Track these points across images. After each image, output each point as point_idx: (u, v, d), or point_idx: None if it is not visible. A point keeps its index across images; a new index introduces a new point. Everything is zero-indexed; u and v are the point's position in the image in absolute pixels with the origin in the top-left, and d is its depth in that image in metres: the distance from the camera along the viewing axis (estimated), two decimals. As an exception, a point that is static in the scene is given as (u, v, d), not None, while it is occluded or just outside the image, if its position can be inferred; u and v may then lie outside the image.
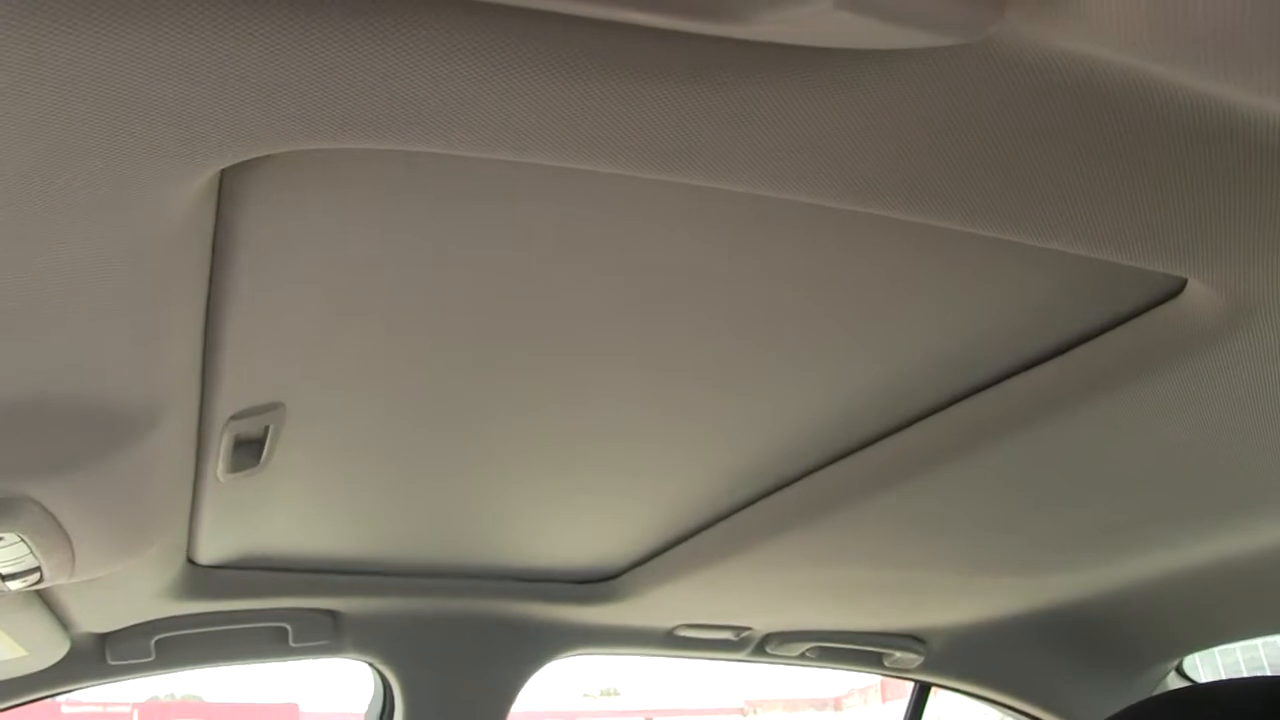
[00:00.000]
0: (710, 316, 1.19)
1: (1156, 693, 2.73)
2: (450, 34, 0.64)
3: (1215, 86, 0.65)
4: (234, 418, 1.30)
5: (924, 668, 2.73)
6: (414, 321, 1.16)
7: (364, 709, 2.37)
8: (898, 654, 2.67)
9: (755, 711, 26.41)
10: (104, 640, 2.01)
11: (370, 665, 2.28)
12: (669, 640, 2.50)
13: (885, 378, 1.37)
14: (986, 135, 0.78)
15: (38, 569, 1.33)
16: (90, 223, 0.76)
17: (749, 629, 2.51)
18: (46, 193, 0.72)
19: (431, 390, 1.33)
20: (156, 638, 2.02)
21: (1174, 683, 2.83)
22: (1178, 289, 1.12)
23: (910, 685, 2.95)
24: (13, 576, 1.34)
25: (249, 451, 1.41)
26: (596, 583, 2.25)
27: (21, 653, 1.85)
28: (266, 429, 1.36)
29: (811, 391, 1.41)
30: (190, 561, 1.90)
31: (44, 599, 1.72)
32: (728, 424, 1.50)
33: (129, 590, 1.79)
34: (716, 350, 1.28)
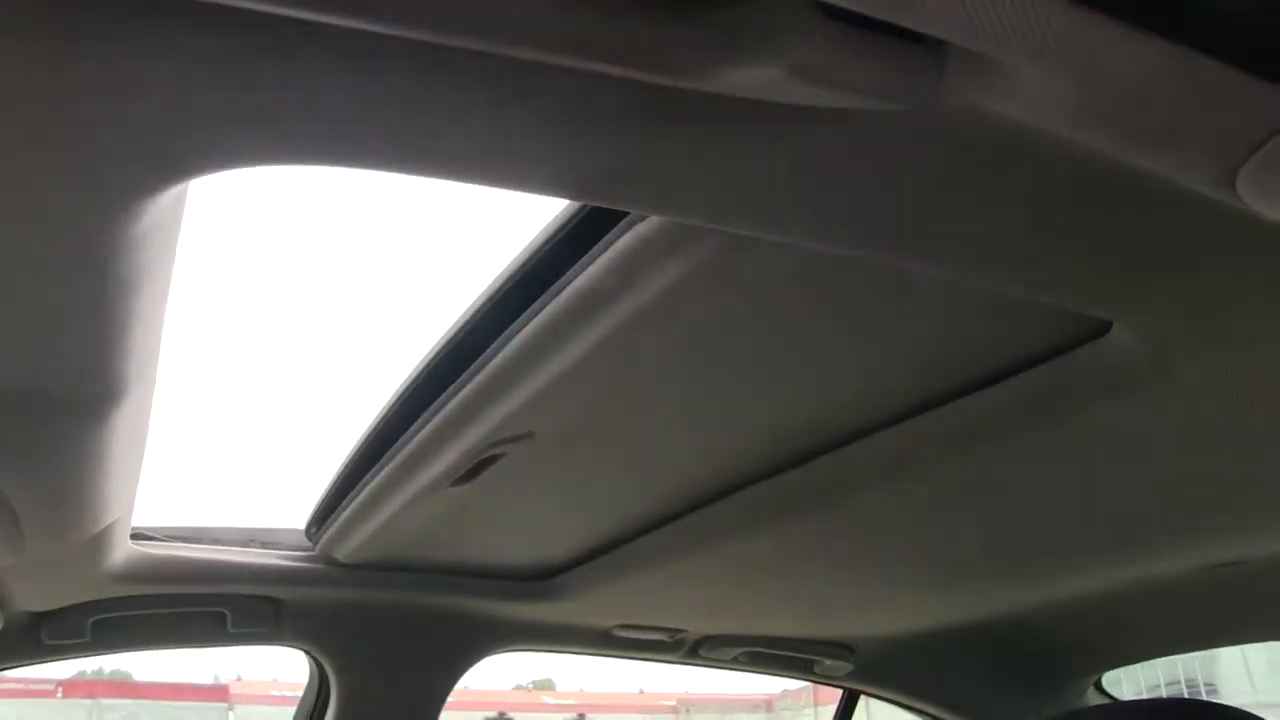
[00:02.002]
0: None
1: (1076, 707, 2.81)
2: (426, 68, 0.67)
3: (1131, 153, 0.70)
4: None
5: (852, 676, 2.79)
6: None
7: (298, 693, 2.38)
8: (827, 662, 2.73)
9: (687, 710, 26.47)
10: (40, 619, 1.99)
11: (306, 653, 2.29)
12: (606, 640, 2.53)
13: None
14: (928, 185, 0.83)
15: (-15, 548, 1.34)
16: (55, 228, 0.78)
17: (684, 632, 2.55)
18: (14, 202, 0.74)
19: None
20: (93, 619, 2.00)
21: (1094, 698, 2.92)
22: (1104, 329, 1.18)
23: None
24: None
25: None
26: (535, 580, 2.27)
27: (-47, 629, 1.84)
28: None
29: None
30: (132, 543, 1.90)
31: (-21, 576, 1.72)
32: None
33: (68, 570, 1.79)
34: None
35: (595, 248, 1.03)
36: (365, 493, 1.76)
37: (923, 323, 1.22)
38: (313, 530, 2.08)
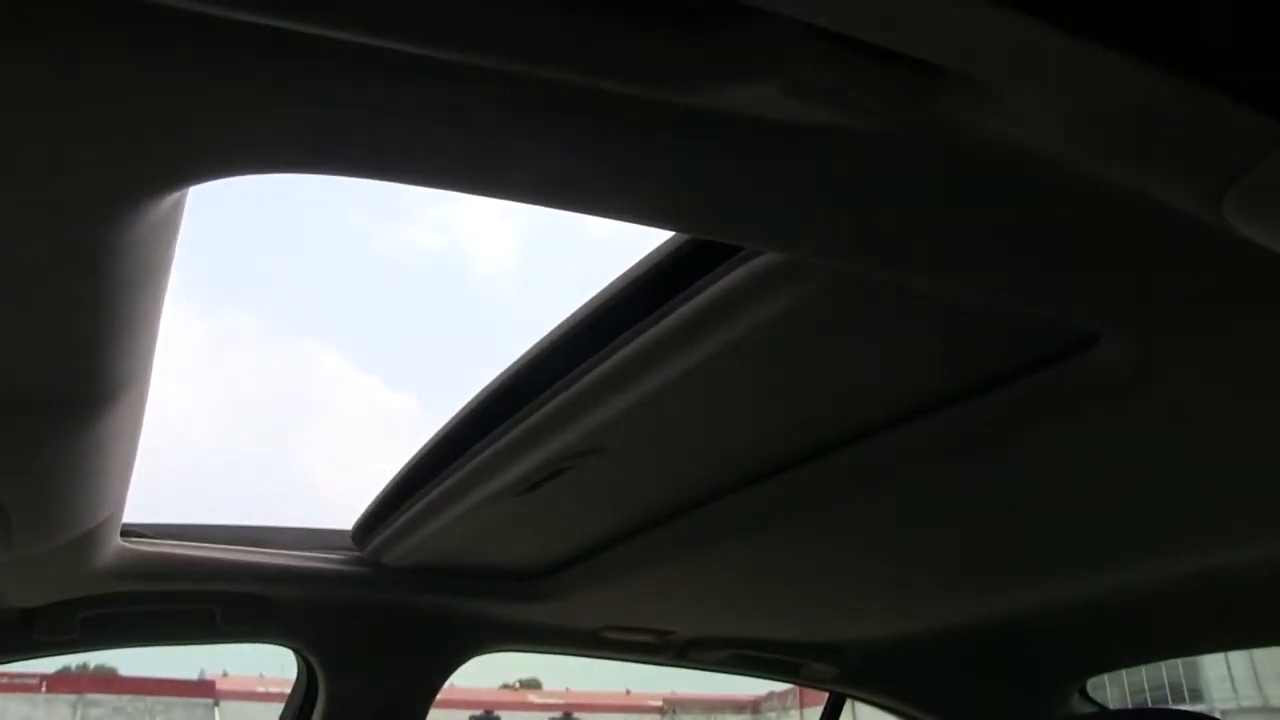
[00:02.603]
0: None
1: (1061, 713, 2.84)
2: (425, 79, 0.68)
3: (1119, 175, 0.72)
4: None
5: (839, 679, 2.81)
6: None
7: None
8: (814, 665, 2.74)
9: (673, 710, 26.48)
10: (29, 616, 1.99)
11: (295, 651, 2.30)
12: (593, 641, 2.54)
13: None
14: (922, 200, 0.84)
15: (-26, 544, 1.34)
16: (54, 230, 0.79)
17: (672, 633, 2.56)
18: (13, 202, 0.75)
19: None
20: (83, 615, 2.01)
21: (1078, 704, 2.94)
22: (1092, 340, 1.20)
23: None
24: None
25: None
26: (525, 581, 2.28)
27: (-57, 624, 1.84)
28: None
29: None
30: (122, 541, 1.91)
31: (-31, 573, 1.72)
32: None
33: (58, 567, 1.79)
34: None
35: (702, 280, 1.08)
36: (426, 499, 1.79)
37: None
38: (361, 534, 2.11)
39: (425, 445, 1.76)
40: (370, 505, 2.03)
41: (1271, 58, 0.54)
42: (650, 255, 1.16)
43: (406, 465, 1.84)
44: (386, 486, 1.94)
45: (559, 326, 1.35)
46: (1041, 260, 0.95)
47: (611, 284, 1.24)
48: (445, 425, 1.68)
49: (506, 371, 1.49)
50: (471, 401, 1.59)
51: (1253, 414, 1.28)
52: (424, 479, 1.79)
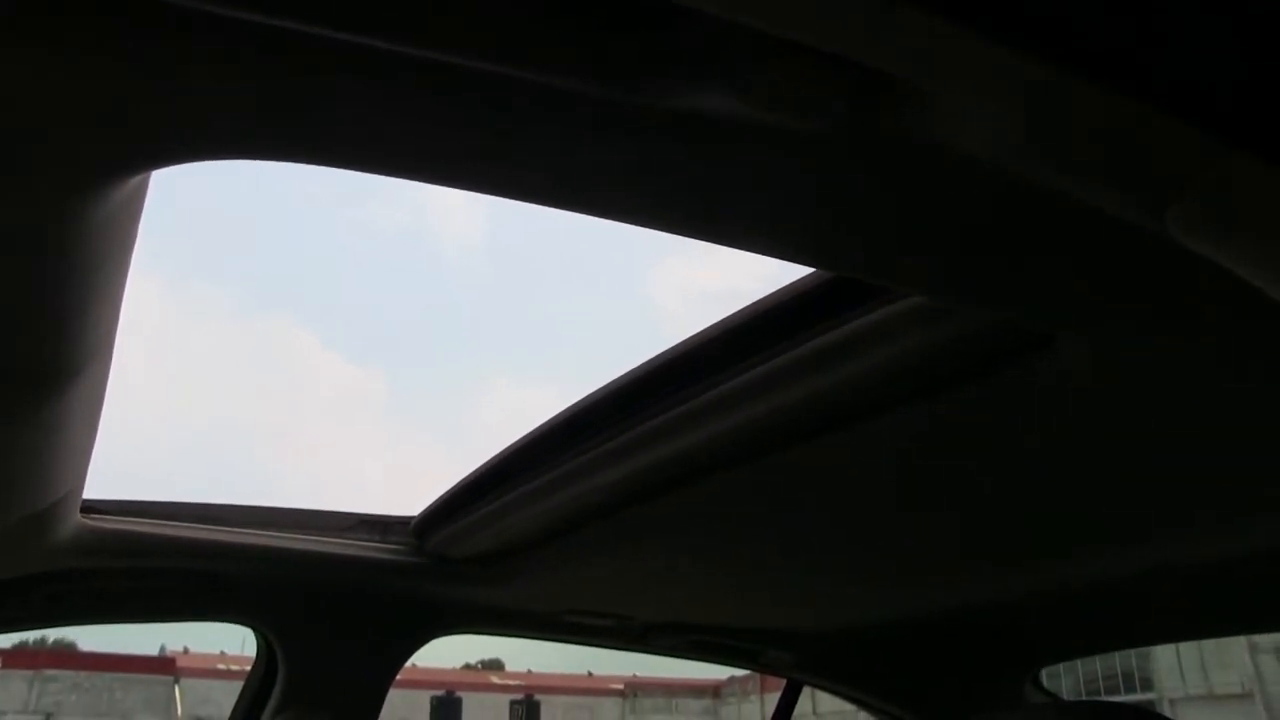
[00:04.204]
0: None
1: (1013, 703, 2.88)
2: (402, 74, 0.69)
3: (1069, 187, 0.74)
4: None
5: (796, 667, 2.84)
6: None
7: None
8: (772, 652, 2.77)
9: (635, 694, 26.62)
10: None
11: (255, 630, 2.30)
12: (553, 624, 2.56)
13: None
14: (879, 202, 0.86)
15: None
16: (17, 209, 0.79)
17: (631, 619, 2.59)
18: None
19: None
20: (43, 591, 2.00)
21: (1031, 693, 2.99)
22: (1048, 341, 1.22)
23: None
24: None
25: None
26: (485, 565, 2.29)
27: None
28: None
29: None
30: (82, 517, 1.90)
31: (-71, 548, 1.71)
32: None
33: (18, 543, 1.79)
34: None
35: (834, 320, 1.16)
36: (501, 500, 1.88)
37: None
38: (423, 527, 2.17)
39: (516, 443, 1.82)
40: (442, 496, 2.08)
41: (1208, 77, 0.56)
42: (778, 291, 1.22)
43: (494, 459, 1.90)
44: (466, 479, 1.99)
45: (674, 347, 1.43)
46: (994, 262, 0.97)
47: (730, 316, 1.31)
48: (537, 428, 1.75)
49: (604, 390, 1.57)
50: (565, 410, 1.66)
51: (1204, 413, 1.31)
52: (505, 476, 1.86)
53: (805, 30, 0.58)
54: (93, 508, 1.93)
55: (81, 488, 1.70)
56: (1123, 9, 0.53)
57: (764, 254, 0.94)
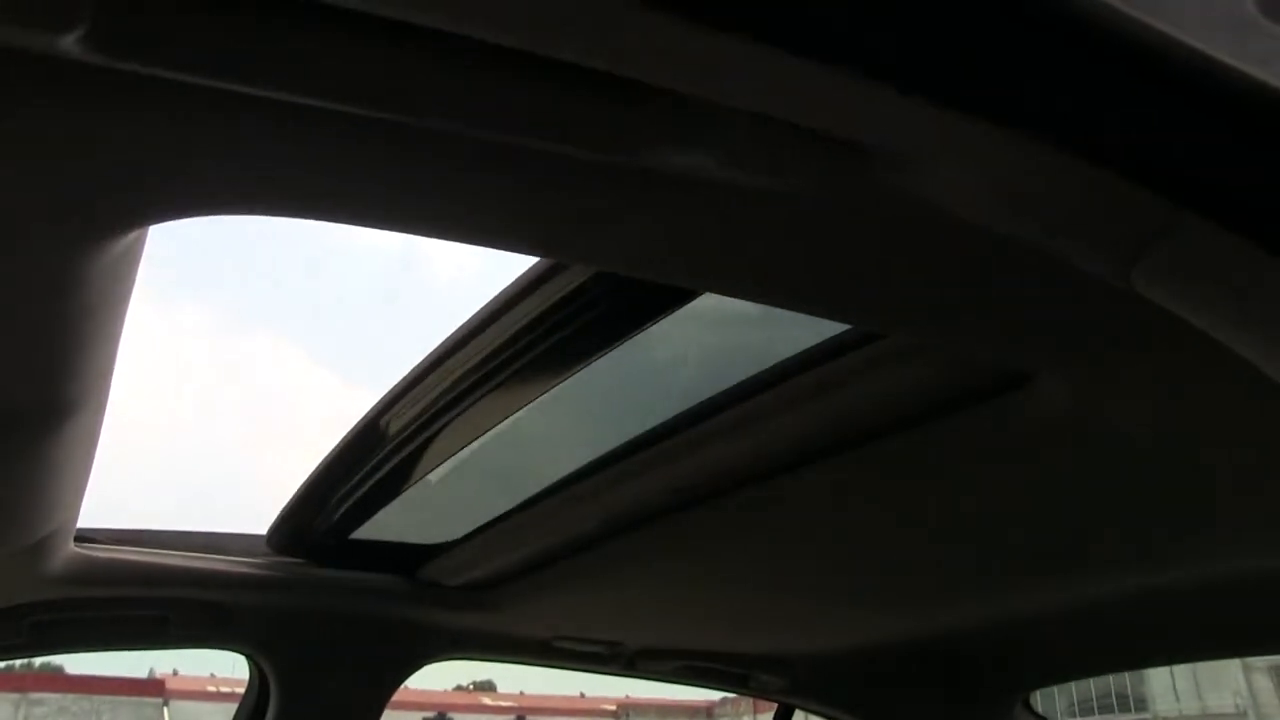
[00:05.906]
0: None
1: None
2: (389, 134, 0.72)
3: (1039, 242, 0.76)
4: None
5: (787, 691, 2.85)
6: None
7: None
8: (762, 676, 2.78)
9: (627, 714, 26.48)
10: None
11: (248, 657, 2.30)
12: (544, 650, 2.56)
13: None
14: (859, 248, 0.89)
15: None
16: (21, 257, 0.82)
17: (621, 644, 2.60)
18: None
19: None
20: (32, 620, 1.99)
21: (1022, 716, 3.00)
22: (1026, 378, 1.25)
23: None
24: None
25: None
26: (475, 590, 2.30)
27: (-109, 627, 1.83)
28: None
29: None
30: (75, 546, 1.91)
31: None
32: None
33: (9, 572, 1.79)
34: None
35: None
36: (493, 529, 1.93)
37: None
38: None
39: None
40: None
41: (1167, 144, 0.58)
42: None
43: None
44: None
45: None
46: (972, 306, 1.00)
47: None
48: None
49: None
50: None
51: (1185, 442, 1.33)
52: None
53: (775, 109, 0.60)
54: (86, 537, 1.94)
55: (75, 518, 1.71)
56: (1080, 85, 0.55)
57: (745, 299, 0.97)
